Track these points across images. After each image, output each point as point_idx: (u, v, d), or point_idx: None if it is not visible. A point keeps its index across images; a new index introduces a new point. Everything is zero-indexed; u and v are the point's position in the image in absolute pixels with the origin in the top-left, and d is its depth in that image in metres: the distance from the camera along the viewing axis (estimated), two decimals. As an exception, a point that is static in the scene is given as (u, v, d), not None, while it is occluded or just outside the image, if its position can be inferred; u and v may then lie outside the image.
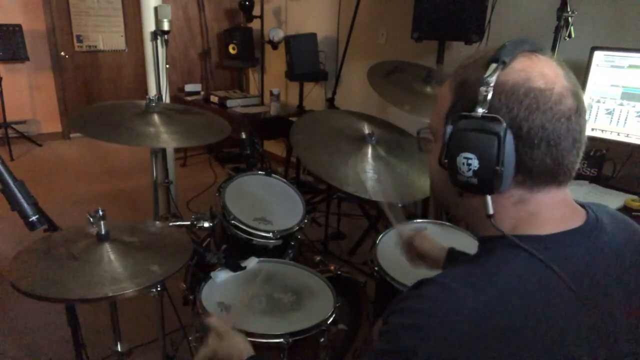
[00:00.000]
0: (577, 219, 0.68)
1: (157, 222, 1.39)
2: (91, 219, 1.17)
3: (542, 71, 0.64)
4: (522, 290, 0.60)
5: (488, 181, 0.64)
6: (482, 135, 0.63)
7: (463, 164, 0.65)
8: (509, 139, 0.62)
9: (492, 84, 0.63)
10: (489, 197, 0.66)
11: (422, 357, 0.58)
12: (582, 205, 0.72)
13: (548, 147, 0.63)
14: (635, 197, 1.65)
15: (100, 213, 1.17)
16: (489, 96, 0.63)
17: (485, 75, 0.63)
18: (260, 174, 1.85)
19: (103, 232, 1.18)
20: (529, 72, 0.64)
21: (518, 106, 0.62)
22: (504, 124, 0.62)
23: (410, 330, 0.60)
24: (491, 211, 0.66)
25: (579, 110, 0.65)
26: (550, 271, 0.61)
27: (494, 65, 0.63)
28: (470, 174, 0.65)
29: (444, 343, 0.58)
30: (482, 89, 0.63)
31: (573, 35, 1.80)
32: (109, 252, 1.16)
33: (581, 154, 0.67)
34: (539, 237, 0.65)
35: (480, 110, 0.63)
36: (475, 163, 0.65)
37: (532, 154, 0.63)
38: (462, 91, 0.67)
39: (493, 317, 0.58)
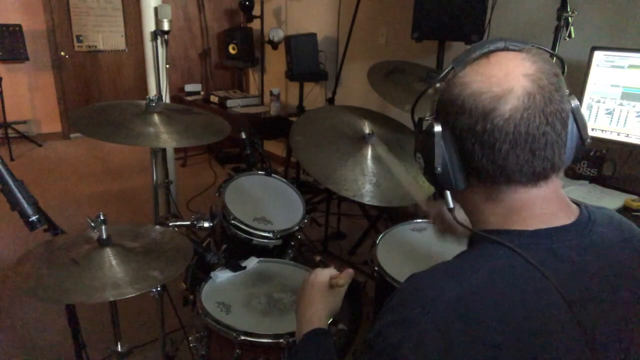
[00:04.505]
0: (566, 217, 0.67)
1: (158, 227, 1.38)
2: (92, 224, 1.16)
3: (486, 73, 0.63)
4: (502, 283, 0.60)
5: (433, 177, 0.69)
6: (421, 136, 0.69)
7: (419, 163, 0.72)
8: (449, 140, 0.66)
9: (439, 91, 0.67)
10: (447, 192, 0.70)
11: (407, 349, 0.58)
12: (578, 205, 0.71)
13: (483, 149, 0.63)
14: (635, 197, 1.64)
15: (102, 217, 1.16)
16: (435, 102, 0.68)
17: (435, 83, 0.69)
18: (260, 174, 1.85)
19: (104, 236, 1.17)
20: (470, 77, 0.64)
21: (450, 110, 0.65)
22: (438, 127, 0.66)
23: (396, 325, 0.61)
24: (451, 205, 0.70)
25: (538, 108, 0.60)
26: (531, 266, 0.60)
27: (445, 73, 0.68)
28: (422, 171, 0.72)
29: (427, 332, 0.58)
30: (434, 96, 0.69)
31: (573, 35, 1.80)
32: (110, 257, 1.15)
33: (545, 153, 0.62)
34: (524, 232, 0.65)
35: (428, 115, 0.69)
36: (422, 161, 0.71)
37: (473, 156, 0.64)
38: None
39: (471, 306, 0.59)
